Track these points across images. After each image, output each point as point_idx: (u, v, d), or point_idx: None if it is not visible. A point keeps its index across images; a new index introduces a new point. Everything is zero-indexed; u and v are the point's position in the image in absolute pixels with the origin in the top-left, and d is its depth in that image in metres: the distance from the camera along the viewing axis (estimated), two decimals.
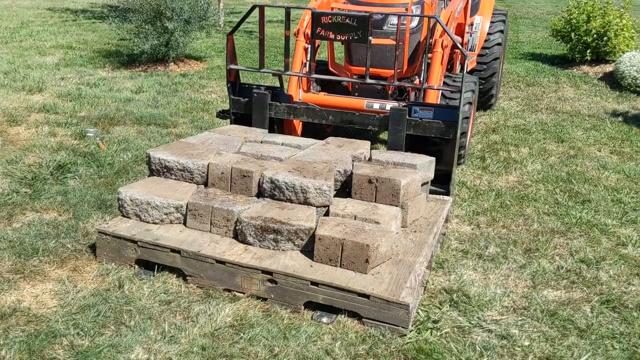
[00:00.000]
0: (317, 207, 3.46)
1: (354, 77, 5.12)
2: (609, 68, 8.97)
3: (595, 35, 8.96)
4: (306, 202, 3.47)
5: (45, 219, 4.02)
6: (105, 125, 6.01)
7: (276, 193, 3.51)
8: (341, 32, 4.29)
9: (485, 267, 3.66)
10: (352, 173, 3.64)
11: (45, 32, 11.12)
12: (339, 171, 3.68)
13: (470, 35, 6.41)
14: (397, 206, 3.54)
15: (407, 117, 4.21)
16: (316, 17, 4.34)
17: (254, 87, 4.70)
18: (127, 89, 7.49)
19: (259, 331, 2.95)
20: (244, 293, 3.24)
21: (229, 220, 3.40)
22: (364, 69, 4.40)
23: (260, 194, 3.59)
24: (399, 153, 4.09)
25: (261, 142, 4.18)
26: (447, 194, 4.26)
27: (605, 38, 8.92)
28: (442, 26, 4.30)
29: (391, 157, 3.93)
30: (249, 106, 4.61)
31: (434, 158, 4.04)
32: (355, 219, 3.38)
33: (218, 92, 7.56)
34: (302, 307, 3.14)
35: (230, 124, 4.76)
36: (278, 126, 4.81)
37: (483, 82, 6.58)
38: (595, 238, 4.08)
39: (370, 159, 4.02)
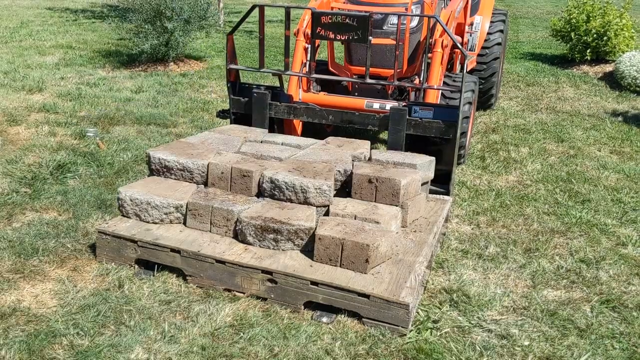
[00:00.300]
0: (317, 207, 3.46)
1: (354, 77, 5.12)
2: (608, 68, 8.97)
3: (595, 35, 8.96)
4: (306, 202, 3.47)
5: (45, 218, 4.02)
6: (105, 125, 6.01)
7: (276, 193, 3.51)
8: (341, 32, 4.29)
9: (485, 267, 3.66)
10: (352, 173, 3.64)
11: (45, 31, 11.12)
12: (339, 171, 3.67)
13: (470, 35, 6.41)
14: (397, 206, 3.54)
15: (407, 117, 4.21)
16: (316, 17, 4.34)
17: (254, 86, 4.70)
18: (127, 88, 7.49)
19: (259, 331, 2.95)
20: (243, 293, 3.24)
21: (229, 220, 3.40)
22: (364, 68, 4.40)
23: (260, 193, 3.59)
24: (399, 153, 4.09)
25: (261, 142, 4.18)
26: (447, 193, 4.26)
27: (605, 38, 8.92)
28: (442, 26, 4.30)
29: (391, 157, 3.93)
30: (249, 106, 4.61)
31: (434, 158, 4.04)
32: (355, 218, 3.38)
33: (218, 91, 7.56)
34: (302, 307, 3.14)
35: (230, 123, 4.76)
36: (278, 126, 4.81)
37: (483, 82, 6.58)
38: (595, 238, 4.08)
39: (370, 159, 4.02)
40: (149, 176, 3.85)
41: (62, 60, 8.81)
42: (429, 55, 4.71)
